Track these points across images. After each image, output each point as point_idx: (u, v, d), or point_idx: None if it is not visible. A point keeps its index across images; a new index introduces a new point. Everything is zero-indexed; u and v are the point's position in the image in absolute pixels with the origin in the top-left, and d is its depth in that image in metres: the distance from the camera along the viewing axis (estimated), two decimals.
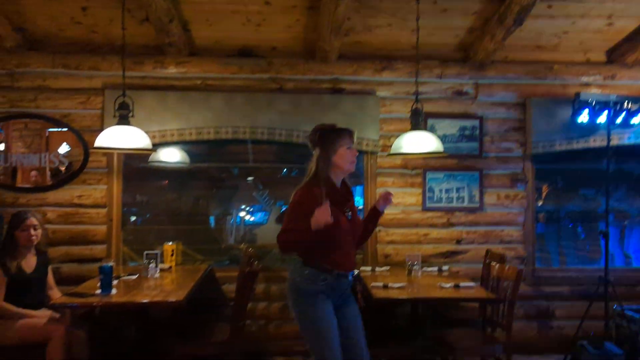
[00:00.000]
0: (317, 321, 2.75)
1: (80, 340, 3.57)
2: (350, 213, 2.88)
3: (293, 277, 2.82)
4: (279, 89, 4.74)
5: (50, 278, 3.96)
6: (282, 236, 2.73)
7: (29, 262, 3.76)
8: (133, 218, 5.99)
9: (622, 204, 6.12)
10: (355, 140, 2.89)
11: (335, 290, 2.81)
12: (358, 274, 2.98)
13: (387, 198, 3.07)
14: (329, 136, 2.83)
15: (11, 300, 3.59)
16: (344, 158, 2.83)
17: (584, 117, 4.58)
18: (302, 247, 2.78)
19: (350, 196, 2.93)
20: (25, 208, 4.24)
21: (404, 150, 4.10)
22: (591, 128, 4.74)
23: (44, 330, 3.44)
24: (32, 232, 3.74)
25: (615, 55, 4.89)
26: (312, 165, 2.85)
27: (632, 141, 4.89)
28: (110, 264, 3.55)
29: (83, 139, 4.57)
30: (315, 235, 2.64)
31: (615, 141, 4.80)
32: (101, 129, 4.18)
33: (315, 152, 2.84)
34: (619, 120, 4.61)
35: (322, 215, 2.57)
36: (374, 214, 3.13)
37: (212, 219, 6.94)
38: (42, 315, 3.60)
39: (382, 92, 4.82)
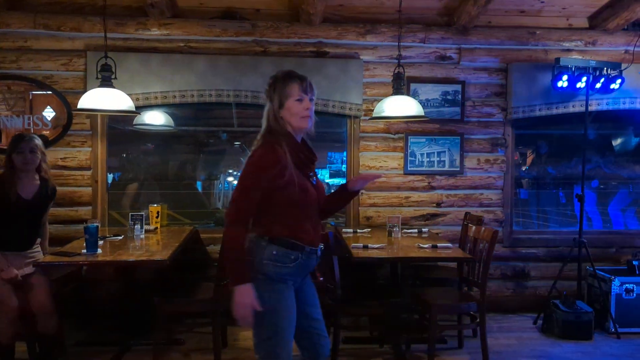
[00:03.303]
0: (280, 314, 2.24)
1: (48, 312, 3.47)
2: (314, 178, 2.40)
3: (257, 258, 2.26)
4: (263, 52, 4.74)
5: (47, 212, 3.76)
6: (232, 213, 2.24)
7: (28, 189, 3.54)
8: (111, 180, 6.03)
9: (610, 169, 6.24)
10: (308, 88, 2.32)
11: (303, 271, 2.37)
12: (322, 249, 2.46)
13: (367, 179, 2.55)
14: (277, 85, 2.31)
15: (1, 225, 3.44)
16: (292, 112, 2.28)
17: (563, 83, 4.64)
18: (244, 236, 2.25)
19: (313, 157, 2.40)
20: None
21: (386, 114, 4.16)
22: (571, 93, 4.81)
23: None
24: (29, 155, 3.48)
25: (597, 21, 4.93)
26: (263, 119, 2.35)
27: (611, 107, 4.96)
28: (96, 224, 3.60)
29: (66, 101, 4.57)
30: (280, 206, 2.26)
31: (593, 107, 4.89)
32: (84, 91, 4.17)
33: (267, 105, 2.35)
34: (598, 85, 4.68)
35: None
36: (344, 194, 2.54)
37: (199, 184, 6.99)
38: (7, 274, 3.40)
39: (365, 56, 4.83)
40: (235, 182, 7.47)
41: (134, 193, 5.93)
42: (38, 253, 3.68)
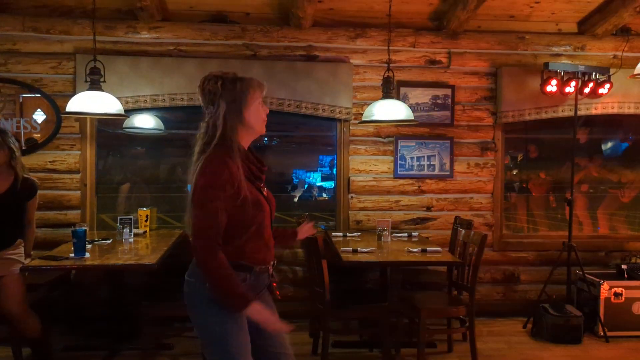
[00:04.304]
0: (229, 341, 2.05)
1: (19, 318, 3.44)
2: (265, 189, 2.21)
3: (199, 282, 2.07)
4: (253, 56, 4.74)
5: (30, 212, 3.65)
6: (200, 245, 1.99)
7: (1, 183, 3.48)
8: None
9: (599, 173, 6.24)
10: (264, 95, 2.19)
11: (254, 291, 2.14)
12: (275, 264, 2.30)
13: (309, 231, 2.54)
14: (238, 85, 2.10)
15: None
16: (257, 115, 2.13)
17: (552, 87, 4.66)
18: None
19: (262, 166, 2.20)
20: None
21: (375, 117, 4.17)
22: (560, 98, 4.83)
23: None
24: None
25: (586, 26, 4.96)
26: (218, 123, 2.06)
27: (600, 112, 5.00)
28: (84, 227, 3.58)
29: (55, 104, 4.55)
30: (233, 227, 2.04)
31: (582, 111, 4.92)
32: (73, 94, 4.16)
33: (221, 107, 2.06)
34: (586, 90, 4.71)
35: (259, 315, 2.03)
36: (289, 239, 2.54)
37: (190, 187, 6.95)
38: None
39: (355, 60, 4.84)
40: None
41: (126, 193, 5.89)
42: (16, 255, 3.54)
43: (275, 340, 2.22)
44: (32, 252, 3.75)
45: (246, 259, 2.10)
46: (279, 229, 2.43)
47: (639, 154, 5.81)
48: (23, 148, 4.54)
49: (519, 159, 7.04)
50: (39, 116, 4.59)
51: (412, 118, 4.18)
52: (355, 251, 3.82)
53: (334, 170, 5.10)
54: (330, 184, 6.77)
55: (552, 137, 6.17)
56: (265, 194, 2.19)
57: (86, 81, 3.92)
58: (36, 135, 4.58)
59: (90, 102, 3.79)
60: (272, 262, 2.23)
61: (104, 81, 3.95)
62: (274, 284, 2.29)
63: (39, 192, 3.65)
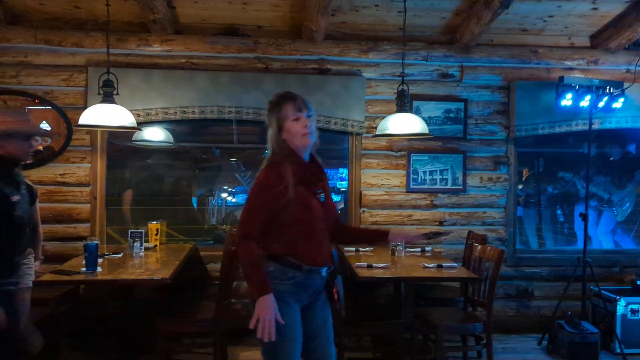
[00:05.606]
0: (280, 333, 2.21)
1: (30, 334, 3.33)
2: (322, 195, 2.41)
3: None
4: (265, 69, 4.72)
5: (35, 214, 3.46)
6: (239, 231, 2.29)
7: None
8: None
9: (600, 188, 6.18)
10: (302, 106, 2.36)
11: (305, 290, 2.35)
12: (334, 269, 2.44)
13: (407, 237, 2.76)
14: (274, 112, 2.37)
15: None
16: (291, 132, 2.33)
17: (567, 101, 4.63)
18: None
19: (321, 174, 2.45)
20: None
21: (389, 131, 4.13)
22: (574, 112, 4.79)
23: None
24: (34, 143, 3.07)
25: (599, 40, 4.94)
26: (268, 145, 2.42)
27: (614, 126, 4.96)
28: (95, 241, 3.53)
29: (66, 117, 4.51)
30: (281, 225, 2.29)
31: (596, 125, 4.88)
32: (85, 107, 4.14)
33: (268, 131, 2.41)
34: (601, 104, 4.68)
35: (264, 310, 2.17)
36: (380, 237, 2.68)
37: (194, 200, 6.91)
38: None
39: (368, 73, 4.82)
40: (230, 199, 7.41)
41: (130, 199, 5.83)
42: (26, 266, 3.31)
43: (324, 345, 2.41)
44: (43, 265, 3.63)
45: (296, 256, 2.30)
46: (358, 229, 2.71)
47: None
48: (30, 161, 4.48)
49: (524, 173, 6.97)
50: (45, 128, 4.53)
51: (427, 132, 4.14)
52: (370, 266, 3.76)
53: (345, 184, 5.05)
54: (336, 198, 6.74)
55: (563, 151, 6.16)
56: (323, 199, 2.39)
57: (99, 93, 3.89)
58: (41, 148, 4.49)
59: (104, 114, 3.75)
60: (327, 266, 2.37)
61: (117, 94, 3.92)
62: (335, 293, 2.44)
63: (48, 205, 3.56)
